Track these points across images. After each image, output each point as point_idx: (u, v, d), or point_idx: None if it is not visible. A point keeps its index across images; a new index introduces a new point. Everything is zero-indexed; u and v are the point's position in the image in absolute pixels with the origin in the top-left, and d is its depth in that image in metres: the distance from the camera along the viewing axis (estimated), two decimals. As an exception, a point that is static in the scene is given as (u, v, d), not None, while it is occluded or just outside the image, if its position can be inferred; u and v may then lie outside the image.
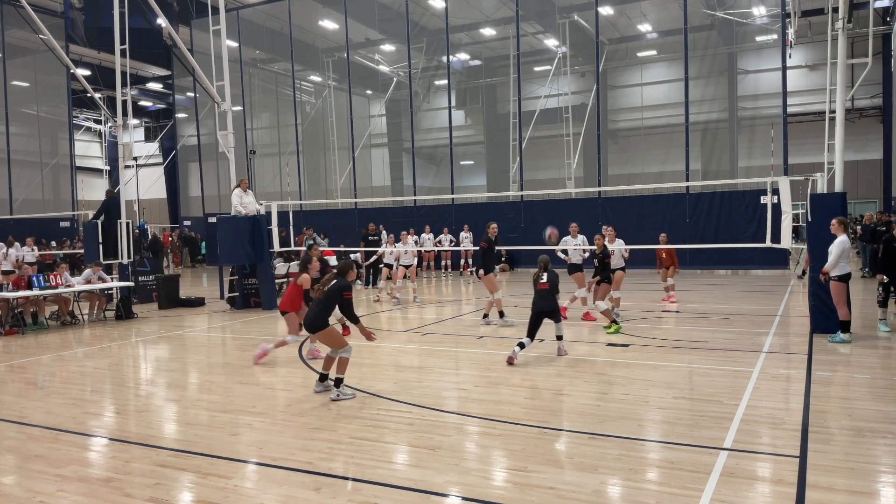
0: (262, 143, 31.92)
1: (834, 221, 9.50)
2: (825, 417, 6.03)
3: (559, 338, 9.01)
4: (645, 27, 27.06)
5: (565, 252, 12.60)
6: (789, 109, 21.55)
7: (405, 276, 16.26)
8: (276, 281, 16.05)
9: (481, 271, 11.66)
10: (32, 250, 19.50)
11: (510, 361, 8.55)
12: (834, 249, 9.34)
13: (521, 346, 8.69)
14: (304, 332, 9.06)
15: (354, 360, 8.99)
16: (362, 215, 25.50)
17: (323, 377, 7.44)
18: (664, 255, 13.96)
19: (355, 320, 7.33)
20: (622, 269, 12.09)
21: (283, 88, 31.31)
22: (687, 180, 21.61)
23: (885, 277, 10.47)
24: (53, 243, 25.45)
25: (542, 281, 8.92)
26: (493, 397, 7.07)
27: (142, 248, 23.58)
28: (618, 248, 11.98)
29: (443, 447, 5.52)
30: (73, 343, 11.57)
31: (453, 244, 22.31)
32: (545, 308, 8.81)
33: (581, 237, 12.79)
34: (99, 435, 6.22)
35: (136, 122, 42.18)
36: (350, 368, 8.53)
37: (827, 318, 9.80)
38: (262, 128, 32.78)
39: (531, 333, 8.78)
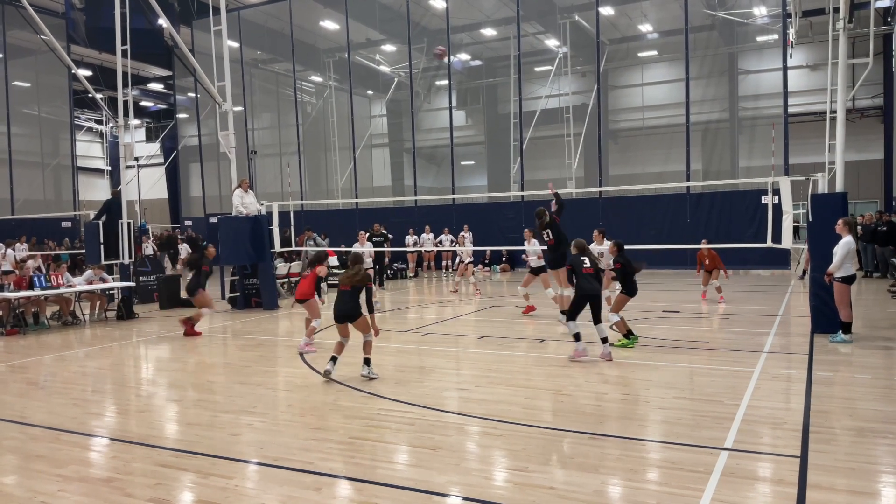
0: (263, 144, 31.92)
1: (840, 222, 9.46)
2: (826, 417, 6.03)
3: (604, 340, 8.69)
4: (645, 27, 27.04)
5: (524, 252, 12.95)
6: (790, 109, 21.53)
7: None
8: (278, 281, 16.06)
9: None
10: (24, 248, 19.51)
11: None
12: (839, 250, 9.28)
13: (578, 336, 8.65)
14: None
15: (355, 360, 9.04)
16: (363, 215, 25.50)
17: (334, 359, 7.95)
18: (707, 260, 14.22)
19: (372, 309, 8.05)
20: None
21: (284, 89, 31.32)
22: (688, 180, 21.60)
23: None
24: (53, 243, 25.48)
25: (586, 265, 8.80)
26: (494, 397, 7.07)
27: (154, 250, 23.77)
28: (605, 249, 11.98)
29: (444, 447, 5.53)
30: (74, 343, 11.59)
31: (454, 244, 22.31)
32: (594, 292, 8.70)
33: (536, 241, 13.03)
34: (100, 435, 6.22)
35: (137, 122, 42.19)
36: (351, 368, 8.56)
37: (828, 318, 9.78)
38: (263, 128, 32.79)
39: (576, 317, 8.70)
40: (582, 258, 8.87)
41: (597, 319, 8.71)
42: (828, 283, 9.47)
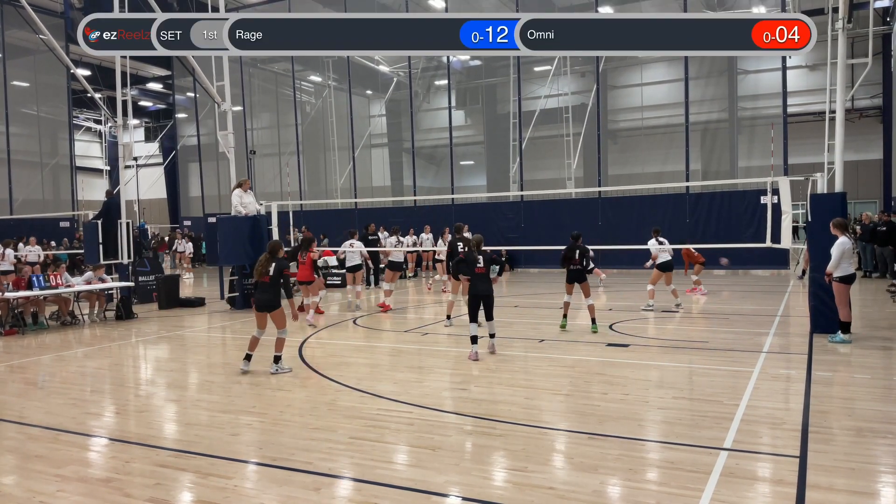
0: (262, 144, 31.90)
1: (831, 224, 9.48)
2: (825, 417, 6.03)
3: (492, 335, 9.21)
4: (645, 27, 26.99)
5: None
6: (789, 109, 21.54)
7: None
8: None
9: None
10: (33, 249, 19.56)
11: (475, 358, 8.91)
12: (834, 251, 9.31)
13: (476, 339, 8.97)
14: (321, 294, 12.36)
15: (354, 360, 9.03)
16: (362, 215, 25.49)
17: (249, 357, 8.51)
18: (686, 259, 15.78)
19: (290, 295, 8.70)
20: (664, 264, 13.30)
21: (284, 88, 31.30)
22: (687, 180, 21.60)
23: None
24: (53, 243, 25.47)
25: (479, 265, 8.99)
26: (493, 397, 7.06)
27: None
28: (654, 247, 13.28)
29: (443, 447, 5.52)
30: (73, 343, 11.57)
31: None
32: (487, 291, 9.00)
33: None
34: (99, 435, 6.22)
35: (136, 122, 42.14)
36: (350, 368, 8.57)
37: (827, 318, 9.79)
38: (262, 128, 32.76)
39: (476, 318, 9.03)
40: (477, 256, 9.05)
41: (488, 317, 9.09)
42: (827, 282, 9.47)
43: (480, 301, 8.97)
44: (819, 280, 9.77)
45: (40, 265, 16.11)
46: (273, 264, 8.31)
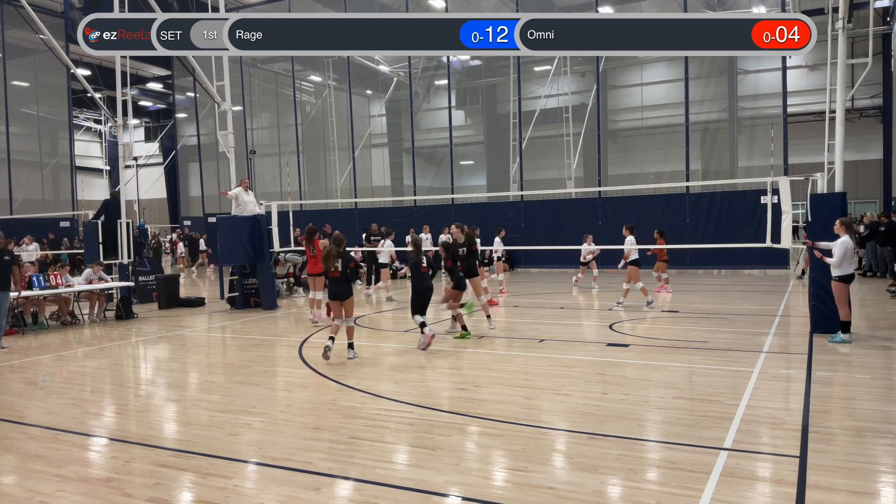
0: (263, 143, 31.90)
1: (837, 222, 9.49)
2: (825, 417, 6.03)
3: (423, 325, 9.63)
4: (645, 27, 26.97)
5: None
6: (789, 109, 21.52)
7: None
8: (277, 280, 16.06)
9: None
10: (32, 247, 19.61)
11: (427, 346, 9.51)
12: (837, 249, 9.33)
13: (425, 325, 9.59)
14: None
15: (354, 360, 9.05)
16: (362, 215, 25.49)
17: (332, 338, 8.89)
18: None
19: (356, 278, 9.75)
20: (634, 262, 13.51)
21: (284, 88, 31.31)
22: (687, 180, 21.60)
23: None
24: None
25: (424, 265, 9.87)
26: (493, 397, 7.06)
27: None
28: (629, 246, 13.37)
29: (443, 447, 5.52)
30: (73, 343, 11.57)
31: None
32: (428, 289, 9.87)
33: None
34: (99, 435, 6.22)
35: (136, 122, 42.15)
36: (350, 368, 8.57)
37: (827, 318, 9.79)
38: (262, 128, 32.77)
39: (420, 311, 9.75)
40: (421, 257, 9.90)
41: (420, 312, 9.75)
42: (810, 245, 9.66)
43: (425, 297, 9.78)
44: (819, 280, 9.78)
45: (37, 264, 16.09)
46: (340, 259, 8.97)
